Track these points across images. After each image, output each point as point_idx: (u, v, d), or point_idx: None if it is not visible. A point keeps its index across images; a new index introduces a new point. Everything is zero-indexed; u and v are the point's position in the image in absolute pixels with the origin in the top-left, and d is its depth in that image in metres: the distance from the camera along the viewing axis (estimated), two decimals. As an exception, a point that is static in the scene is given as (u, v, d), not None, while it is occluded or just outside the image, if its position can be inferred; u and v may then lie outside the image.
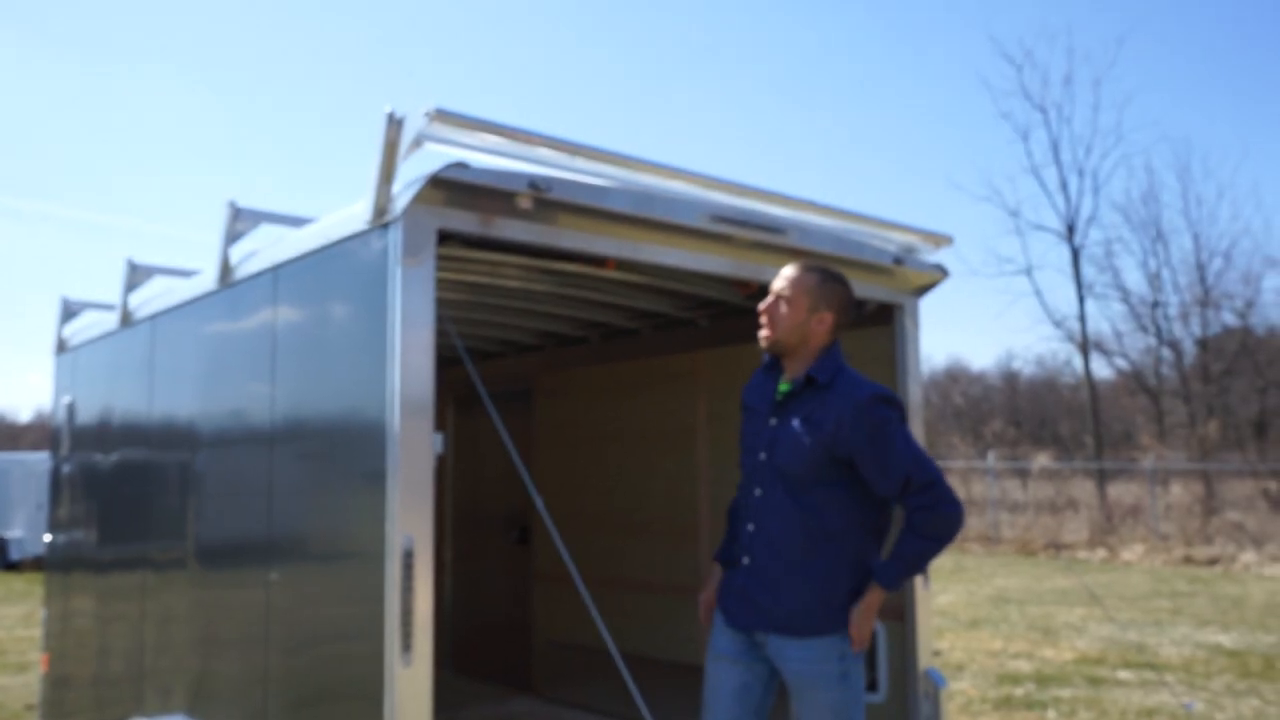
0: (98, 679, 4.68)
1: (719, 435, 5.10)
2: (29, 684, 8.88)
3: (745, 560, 3.06)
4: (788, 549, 2.96)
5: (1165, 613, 12.03)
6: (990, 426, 31.73)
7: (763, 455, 3.09)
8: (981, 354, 76.54)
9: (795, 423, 3.00)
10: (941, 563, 18.19)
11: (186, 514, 3.92)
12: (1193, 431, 24.82)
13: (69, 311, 5.55)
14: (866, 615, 2.90)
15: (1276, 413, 27.20)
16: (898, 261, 3.97)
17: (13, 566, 19.92)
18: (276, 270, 3.29)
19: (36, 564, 19.12)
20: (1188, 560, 17.31)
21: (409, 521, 2.64)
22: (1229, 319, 28.29)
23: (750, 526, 3.10)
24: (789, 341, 3.07)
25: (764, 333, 3.12)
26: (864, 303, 4.23)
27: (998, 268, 45.79)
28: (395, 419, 2.65)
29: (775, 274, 3.68)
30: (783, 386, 3.12)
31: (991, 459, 22.88)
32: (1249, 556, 16.81)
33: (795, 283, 3.06)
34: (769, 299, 3.11)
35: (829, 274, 3.10)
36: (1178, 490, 21.18)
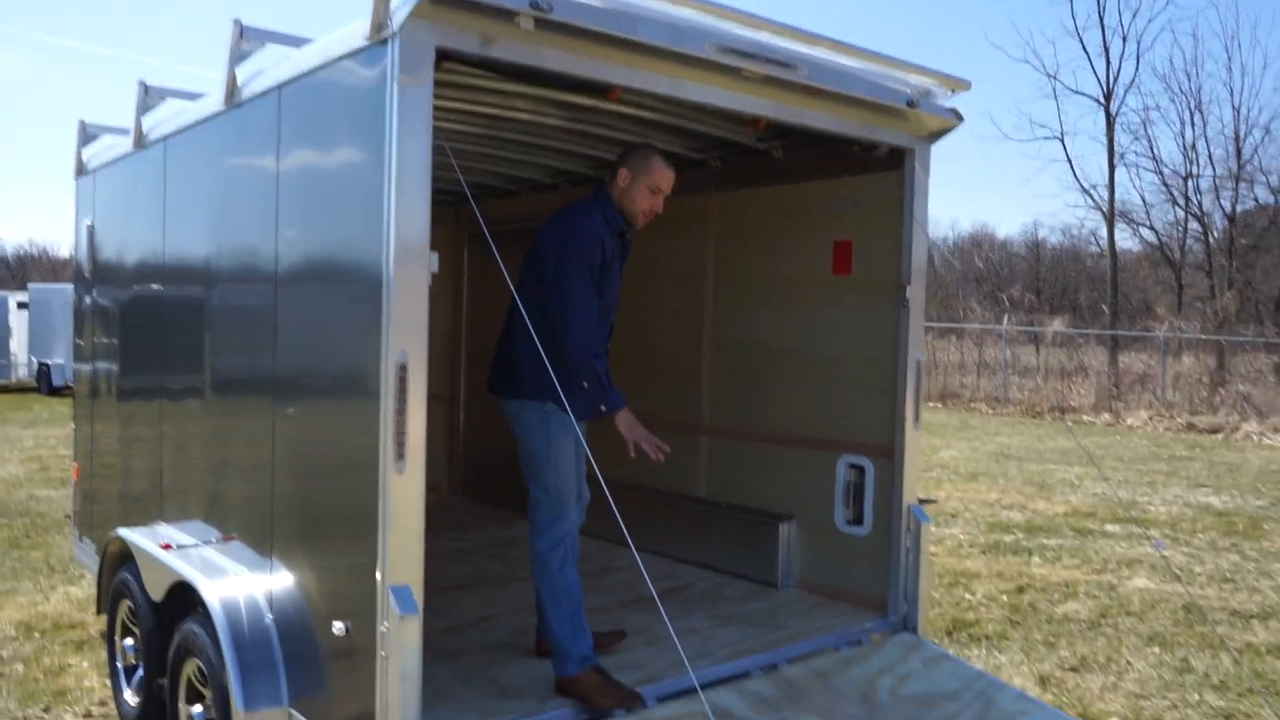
0: (123, 494, 4.93)
1: (725, 277, 5.16)
2: (70, 497, 9.30)
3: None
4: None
5: (1161, 475, 12.29)
6: (1009, 292, 31.60)
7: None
8: (1008, 222, 75.53)
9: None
10: (947, 419, 18.51)
11: (199, 341, 4.05)
12: (1210, 304, 24.68)
13: (87, 135, 5.58)
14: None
15: (1299, 288, 26.92)
16: (911, 104, 3.93)
17: (56, 391, 20.60)
18: (280, 90, 3.30)
19: (80, 389, 19.82)
20: (1190, 428, 17.54)
21: (403, 337, 2.74)
22: (1262, 195, 27.72)
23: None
24: None
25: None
26: (875, 146, 4.22)
27: (1030, 132, 44.69)
28: (391, 234, 2.71)
29: (787, 111, 3.68)
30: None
31: (1006, 323, 22.92)
32: (1251, 426, 17.02)
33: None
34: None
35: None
36: (1189, 361, 21.26)
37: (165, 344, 4.42)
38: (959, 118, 4.12)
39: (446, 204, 6.98)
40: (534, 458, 3.62)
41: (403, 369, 2.75)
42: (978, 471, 12.21)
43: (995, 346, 23.18)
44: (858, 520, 4.49)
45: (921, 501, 4.32)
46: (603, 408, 3.56)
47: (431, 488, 7.18)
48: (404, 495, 2.79)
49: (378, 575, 2.79)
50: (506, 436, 3.73)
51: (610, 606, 4.47)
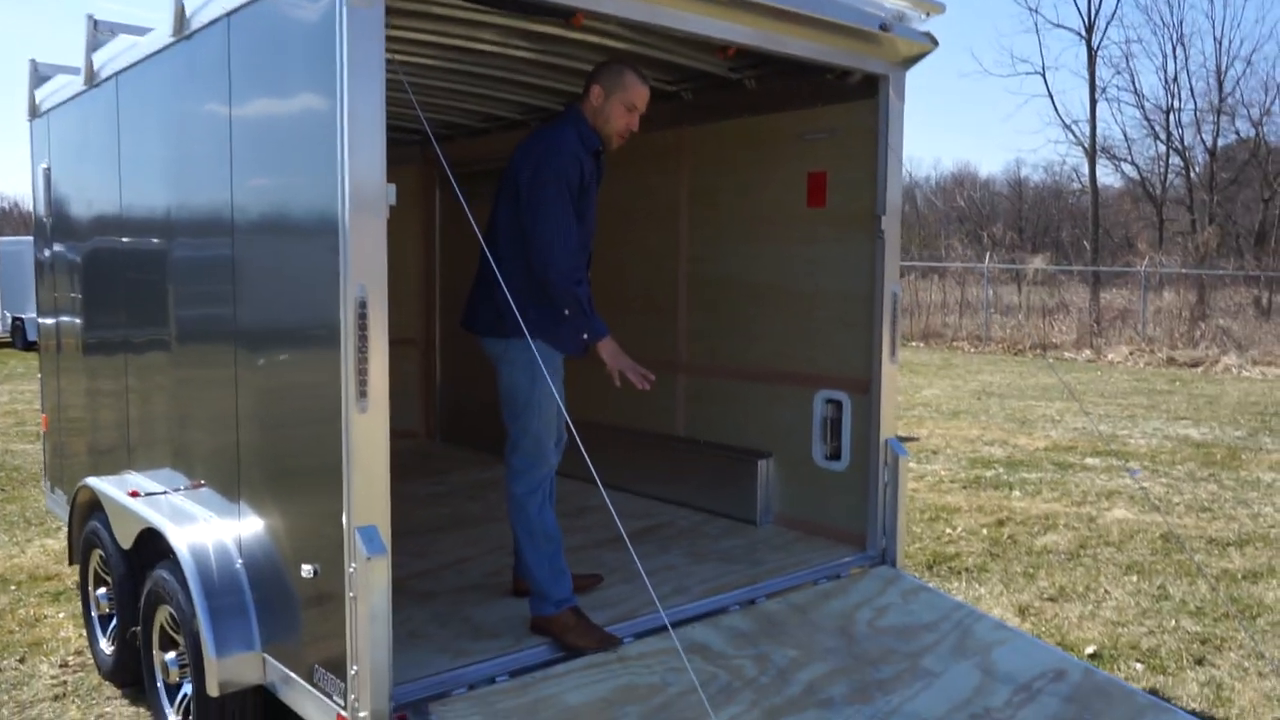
0: (92, 446, 4.85)
1: (700, 213, 5.08)
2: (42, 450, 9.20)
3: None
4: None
5: (1141, 409, 12.37)
6: (991, 231, 31.59)
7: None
8: (990, 160, 75.24)
9: None
10: (929, 358, 18.55)
11: (159, 287, 3.94)
12: (1191, 239, 24.71)
13: (40, 76, 5.40)
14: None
15: (1278, 223, 27.00)
16: (884, 28, 3.82)
17: (31, 346, 20.38)
18: (229, 18, 3.16)
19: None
20: (1170, 362, 17.64)
21: (361, 272, 2.65)
22: (1243, 128, 27.66)
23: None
24: None
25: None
26: (848, 73, 4.11)
27: (1012, 67, 44.30)
28: (345, 166, 2.62)
29: (758, 36, 3.57)
30: None
31: (988, 261, 22.89)
32: (1231, 359, 17.12)
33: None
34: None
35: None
36: (1169, 296, 21.33)
37: (126, 293, 4.31)
38: (934, 42, 4.02)
39: (416, 143, 6.84)
40: (516, 398, 3.48)
41: (362, 305, 2.67)
42: (959, 409, 12.25)
43: (977, 285, 23.18)
44: (835, 455, 4.46)
45: (901, 438, 4.30)
46: (585, 336, 3.44)
47: (409, 433, 7.23)
48: (368, 435, 2.72)
49: (344, 517, 2.74)
50: (484, 378, 3.64)
51: (588, 545, 4.45)
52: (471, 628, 3.46)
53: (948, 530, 6.75)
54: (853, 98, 4.24)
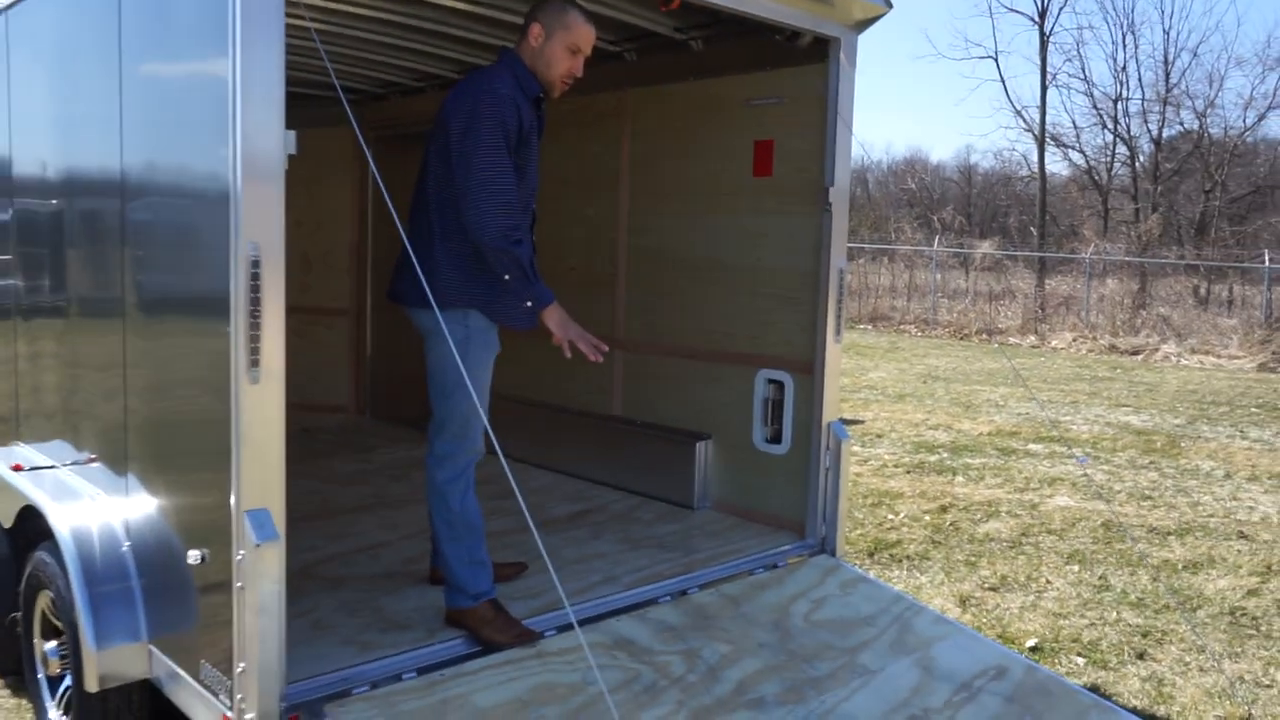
0: None
1: (641, 182, 4.84)
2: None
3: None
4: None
5: (1083, 395, 12.41)
6: (941, 215, 31.75)
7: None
8: (941, 146, 75.86)
9: None
10: (876, 341, 18.54)
11: (47, 251, 3.63)
12: (1135, 228, 25.02)
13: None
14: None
15: (1218, 214, 27.47)
16: (838, -12, 3.61)
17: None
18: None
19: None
20: (1112, 349, 17.80)
21: (254, 228, 2.38)
22: (1187, 119, 28.04)
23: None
24: None
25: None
26: (798, 35, 3.90)
27: (965, 50, 44.53)
28: (236, 113, 2.35)
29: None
30: None
31: (937, 245, 22.95)
32: (1170, 347, 17.32)
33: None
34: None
35: None
36: (1112, 284, 21.54)
37: (16, 253, 3.97)
38: (888, 4, 3.81)
39: (352, 103, 6.49)
40: (446, 376, 3.12)
41: (255, 265, 2.40)
42: (905, 392, 12.19)
43: (926, 270, 23.23)
44: (776, 439, 4.28)
45: (847, 421, 4.12)
46: (529, 303, 3.10)
47: (338, 408, 6.92)
48: (260, 409, 2.46)
49: (232, 498, 2.48)
50: (418, 351, 3.36)
51: (515, 530, 4.22)
52: (382, 618, 3.22)
53: (890, 516, 6.62)
54: (803, 61, 4.02)
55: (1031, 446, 9.02)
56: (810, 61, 3.98)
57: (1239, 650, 4.56)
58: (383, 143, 6.55)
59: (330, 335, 6.84)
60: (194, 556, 2.66)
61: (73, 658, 3.03)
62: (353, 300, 6.86)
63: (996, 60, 49.48)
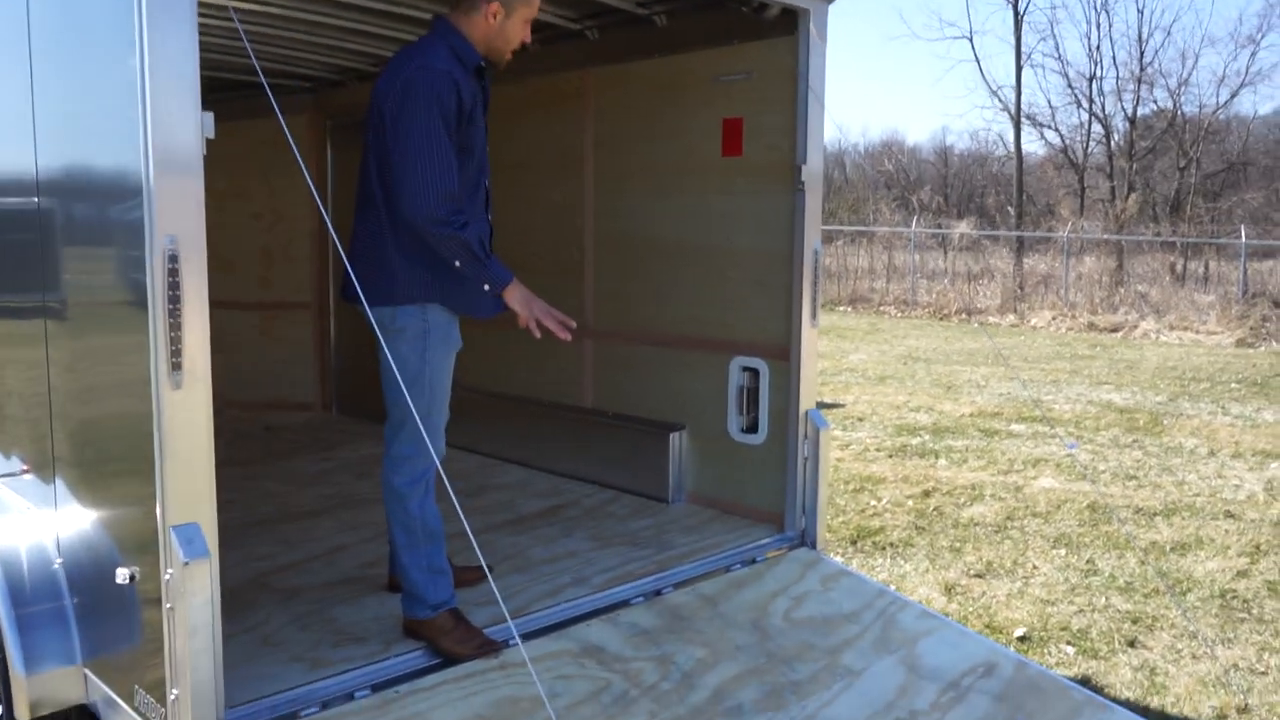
0: None
1: (606, 163, 4.65)
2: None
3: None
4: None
5: (1064, 373, 12.32)
6: (918, 196, 31.65)
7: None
8: (917, 128, 75.89)
9: None
10: (856, 323, 18.43)
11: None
12: (1111, 206, 25.01)
13: None
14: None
15: (1193, 191, 27.51)
16: (806, -46, 3.43)
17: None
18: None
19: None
20: (1091, 327, 17.75)
21: (171, 220, 2.19)
22: (1161, 98, 28.03)
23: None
24: None
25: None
26: (765, 6, 3.71)
27: (940, 31, 44.40)
28: (146, 90, 2.14)
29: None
30: None
31: (915, 226, 22.85)
32: (1149, 324, 17.28)
33: None
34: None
35: None
36: (1090, 262, 21.51)
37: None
38: (861, -28, 3.63)
39: (306, 91, 6.27)
40: (405, 374, 2.89)
41: (172, 259, 2.21)
42: (886, 374, 12.06)
43: (904, 251, 23.13)
44: (752, 428, 4.11)
45: (827, 405, 3.96)
46: (486, 287, 2.90)
47: (304, 405, 6.70)
48: (185, 415, 2.27)
49: (158, 512, 2.29)
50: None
51: (483, 529, 4.04)
52: (336, 631, 3.03)
53: (872, 502, 6.48)
54: (771, 34, 3.84)
55: (1014, 427, 8.90)
56: (779, 34, 3.80)
57: (1231, 635, 4.44)
58: (341, 130, 6.33)
59: (294, 331, 6.61)
60: (122, 575, 2.46)
61: (1, 685, 2.83)
62: (314, 293, 6.63)
63: (971, 40, 49.42)
